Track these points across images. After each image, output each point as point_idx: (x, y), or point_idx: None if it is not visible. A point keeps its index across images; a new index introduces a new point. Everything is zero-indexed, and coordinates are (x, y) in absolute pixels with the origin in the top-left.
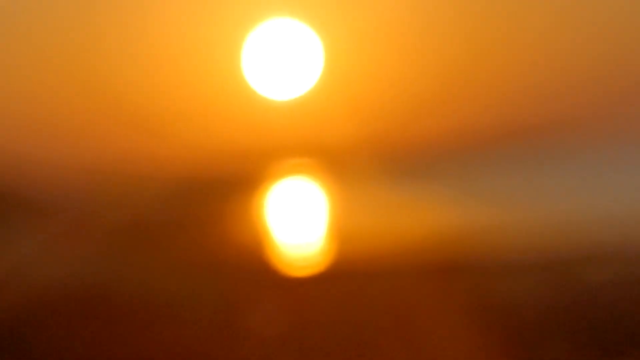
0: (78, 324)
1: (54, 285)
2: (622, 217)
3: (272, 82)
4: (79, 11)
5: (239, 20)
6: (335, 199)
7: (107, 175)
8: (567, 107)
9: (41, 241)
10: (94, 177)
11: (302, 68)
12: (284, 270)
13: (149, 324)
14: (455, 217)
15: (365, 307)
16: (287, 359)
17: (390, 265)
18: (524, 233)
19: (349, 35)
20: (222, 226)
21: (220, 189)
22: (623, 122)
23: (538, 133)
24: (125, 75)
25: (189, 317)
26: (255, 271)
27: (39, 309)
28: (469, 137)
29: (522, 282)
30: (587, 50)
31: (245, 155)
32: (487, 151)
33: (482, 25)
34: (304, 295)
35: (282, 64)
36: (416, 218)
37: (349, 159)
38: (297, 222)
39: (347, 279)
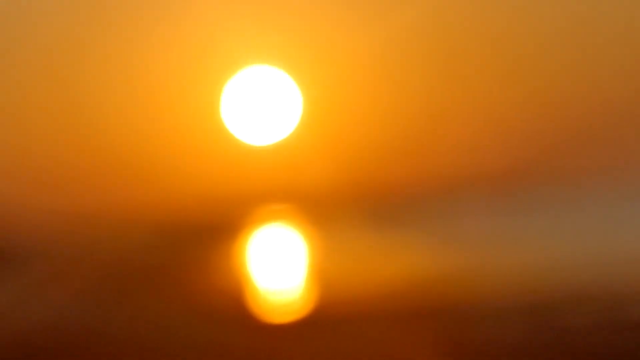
0: None
1: (36, 330)
2: (599, 261)
3: (251, 128)
4: (58, 56)
5: (218, 67)
6: (314, 245)
7: (89, 221)
8: (542, 152)
9: (23, 287)
10: (75, 223)
11: (281, 114)
12: (265, 317)
13: None
14: (433, 262)
15: (345, 354)
16: None
17: (369, 311)
18: (501, 277)
19: (326, 82)
20: (203, 272)
21: (201, 235)
22: (597, 166)
23: (513, 178)
24: (106, 122)
25: None
26: (236, 317)
27: (22, 354)
28: (445, 181)
29: (500, 326)
30: (559, 93)
31: (225, 201)
32: (463, 196)
33: (456, 72)
34: (285, 341)
35: (260, 110)
36: (395, 263)
37: (327, 204)
38: (277, 268)
39: (326, 325)
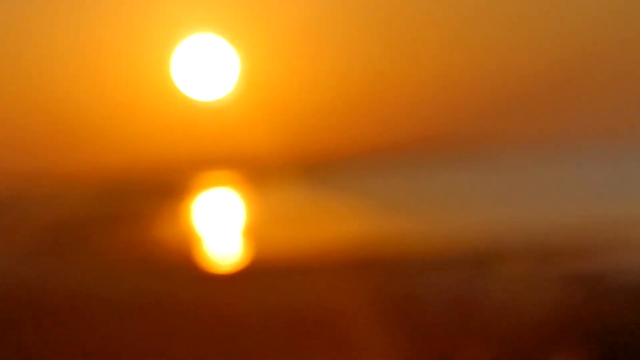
0: (7, 320)
1: None
2: (529, 218)
3: (195, 86)
4: (10, 13)
5: (166, 33)
6: (253, 203)
7: (37, 178)
8: (477, 116)
9: None
10: (26, 182)
11: (221, 74)
12: (207, 268)
13: (77, 320)
14: (365, 220)
15: (280, 302)
16: (210, 351)
17: (304, 264)
18: (432, 234)
19: (263, 46)
20: (148, 227)
21: (147, 193)
22: (530, 130)
23: (447, 141)
24: (57, 84)
25: (116, 312)
26: (181, 268)
27: None
28: (379, 145)
29: (432, 279)
30: (497, 59)
31: (171, 161)
32: (396, 158)
33: (392, 38)
34: (226, 290)
35: (203, 71)
36: (329, 221)
37: (265, 162)
38: (219, 224)
39: (264, 276)
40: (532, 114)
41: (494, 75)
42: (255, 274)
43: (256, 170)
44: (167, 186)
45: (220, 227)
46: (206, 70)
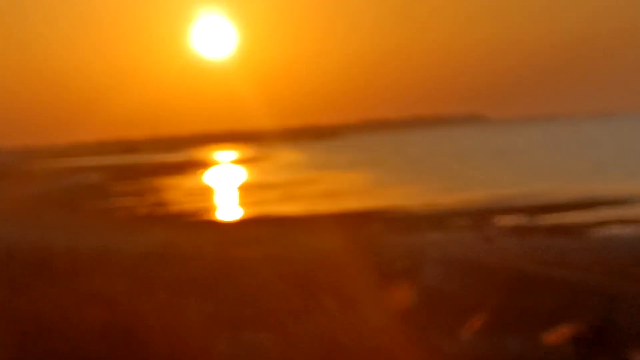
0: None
1: None
2: (522, 179)
3: (207, 47)
4: None
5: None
6: (253, 160)
7: (46, 147)
8: (474, 94)
9: None
10: (42, 146)
11: (222, 41)
12: (214, 218)
13: (95, 274)
14: (363, 179)
15: (284, 250)
16: (220, 295)
17: (305, 218)
18: (436, 195)
19: (259, 22)
20: (159, 186)
21: (146, 150)
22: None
23: (446, 115)
24: (88, 57)
25: (132, 264)
26: (190, 221)
27: None
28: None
29: (434, 237)
30: (511, 38)
31: (181, 118)
32: (398, 129)
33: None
34: (232, 240)
35: (212, 38)
36: (328, 179)
37: (263, 121)
38: (225, 181)
39: (267, 227)
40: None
41: (520, 50)
42: (260, 225)
43: (256, 130)
44: (179, 146)
45: (226, 183)
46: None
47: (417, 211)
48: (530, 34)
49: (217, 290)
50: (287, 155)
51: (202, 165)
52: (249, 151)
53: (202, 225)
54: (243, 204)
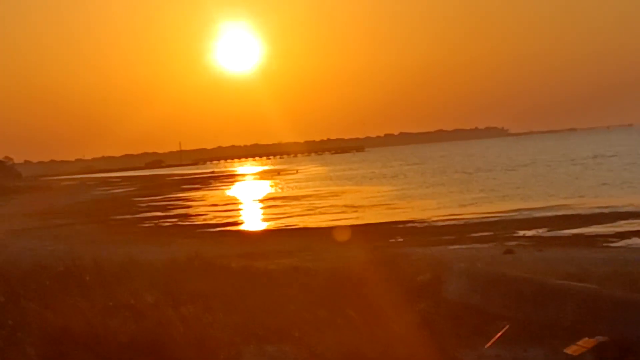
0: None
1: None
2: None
3: (230, 61)
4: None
5: (209, 17)
6: (277, 172)
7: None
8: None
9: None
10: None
11: (249, 53)
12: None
13: (130, 275)
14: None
15: (308, 261)
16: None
17: (330, 227)
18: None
19: (281, 37)
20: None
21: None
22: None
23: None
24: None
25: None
26: (219, 231)
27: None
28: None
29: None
30: (560, 58)
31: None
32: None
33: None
34: (259, 248)
35: (236, 50)
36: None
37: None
38: (250, 191)
39: (292, 237)
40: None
41: (567, 71)
42: (284, 237)
43: (278, 142)
44: (202, 157)
45: (250, 196)
46: (237, 48)
47: (439, 223)
48: (554, 54)
49: (243, 301)
50: (311, 168)
51: (227, 178)
52: (273, 164)
53: (227, 238)
54: (267, 216)
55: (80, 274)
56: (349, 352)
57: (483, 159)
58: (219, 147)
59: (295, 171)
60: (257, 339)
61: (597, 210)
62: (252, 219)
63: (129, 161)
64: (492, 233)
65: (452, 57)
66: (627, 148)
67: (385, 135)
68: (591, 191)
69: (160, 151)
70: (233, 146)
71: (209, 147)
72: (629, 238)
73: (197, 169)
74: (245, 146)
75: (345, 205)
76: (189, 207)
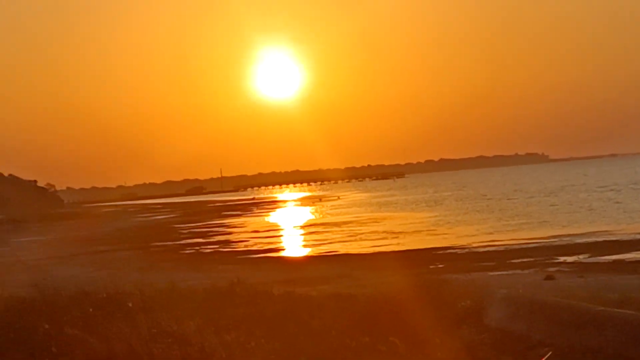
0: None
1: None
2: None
3: (270, 88)
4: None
5: (250, 45)
6: (317, 200)
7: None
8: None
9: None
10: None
11: (289, 80)
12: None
13: (168, 304)
14: (425, 219)
15: (348, 288)
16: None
17: (370, 253)
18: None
19: (322, 63)
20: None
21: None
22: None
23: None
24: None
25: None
26: (259, 256)
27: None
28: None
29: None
30: (602, 84)
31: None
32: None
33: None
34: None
35: (276, 77)
36: (391, 219)
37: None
38: (289, 218)
39: (333, 263)
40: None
41: (606, 95)
42: (326, 263)
43: (319, 168)
44: (242, 185)
45: (292, 222)
46: (277, 75)
47: (479, 249)
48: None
49: (284, 328)
50: (352, 194)
51: (268, 204)
52: (314, 191)
53: (268, 264)
54: (308, 242)
55: (124, 300)
56: None
57: (523, 185)
58: (260, 174)
59: (336, 197)
60: None
61: (638, 237)
62: (293, 246)
63: (170, 188)
64: (532, 259)
65: (493, 83)
66: None
67: (426, 161)
68: (631, 217)
69: (201, 178)
70: (274, 172)
71: (249, 173)
72: None
73: (238, 195)
74: (286, 172)
75: (386, 232)
76: (230, 233)
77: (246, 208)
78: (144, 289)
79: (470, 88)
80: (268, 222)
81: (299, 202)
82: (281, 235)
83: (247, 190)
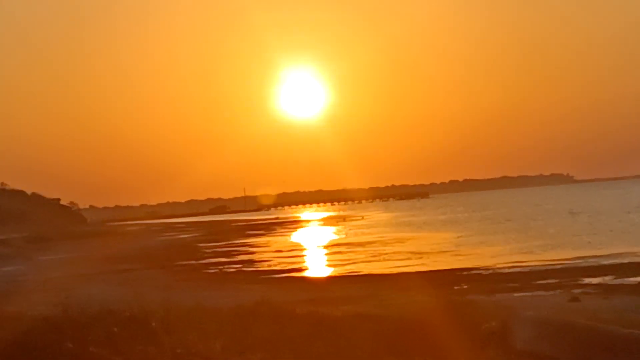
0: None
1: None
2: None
3: (293, 107)
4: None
5: (273, 64)
6: (341, 219)
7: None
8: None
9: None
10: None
11: (313, 98)
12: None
13: (191, 322)
14: (454, 238)
15: (374, 308)
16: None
17: (396, 275)
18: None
19: (345, 82)
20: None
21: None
22: None
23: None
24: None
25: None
26: (281, 277)
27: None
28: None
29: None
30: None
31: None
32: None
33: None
34: (324, 294)
35: (300, 96)
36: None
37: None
38: (312, 238)
39: (358, 284)
40: None
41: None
42: (350, 283)
43: (343, 187)
44: (264, 204)
45: (316, 242)
46: (301, 94)
47: (503, 270)
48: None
49: (309, 348)
50: (376, 214)
51: (291, 224)
52: (337, 210)
53: (292, 284)
54: (332, 262)
55: (148, 319)
56: None
57: (547, 205)
58: (284, 193)
59: (360, 217)
60: None
61: None
62: (317, 265)
63: (193, 207)
64: (557, 280)
65: (518, 104)
66: None
67: (450, 181)
68: None
69: (225, 197)
70: (297, 192)
71: (273, 192)
72: None
73: (261, 214)
74: (310, 192)
75: (410, 252)
76: (253, 252)
77: (270, 227)
78: (168, 308)
79: (496, 109)
80: (291, 242)
81: (322, 222)
82: (305, 255)
83: (270, 210)
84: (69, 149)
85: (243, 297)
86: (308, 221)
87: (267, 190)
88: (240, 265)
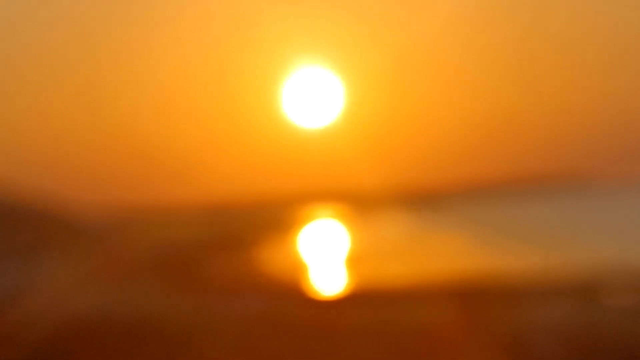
0: (114, 349)
1: (89, 313)
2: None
3: (303, 114)
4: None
5: (279, 64)
6: (356, 232)
7: (147, 208)
8: (580, 156)
9: (77, 273)
10: (132, 210)
11: (327, 103)
12: (313, 293)
13: (188, 344)
14: (469, 252)
15: (383, 327)
16: None
17: (407, 292)
18: (543, 265)
19: (367, 78)
20: (253, 255)
21: (253, 221)
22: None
23: (552, 179)
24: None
25: (225, 336)
26: (288, 293)
27: (73, 335)
28: (486, 178)
29: (542, 309)
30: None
31: (278, 188)
32: (503, 194)
33: (504, 80)
34: (330, 314)
35: (310, 101)
36: (431, 254)
37: (368, 191)
38: (323, 254)
39: (367, 302)
40: None
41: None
42: (358, 299)
43: (360, 200)
44: (274, 216)
45: (325, 256)
46: (313, 99)
47: (523, 282)
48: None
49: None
50: (388, 221)
51: (300, 231)
52: (349, 216)
53: (300, 295)
54: (342, 272)
55: (149, 331)
56: None
57: (565, 208)
58: (294, 198)
59: (372, 224)
60: None
61: None
62: (326, 275)
63: (198, 211)
64: (579, 287)
65: (535, 108)
66: None
67: (465, 186)
68: None
69: (233, 202)
70: (308, 195)
71: (284, 197)
72: None
73: (270, 221)
74: (321, 195)
75: (423, 261)
76: (260, 262)
77: (277, 234)
78: (170, 320)
79: (514, 109)
80: (300, 250)
81: (332, 229)
82: (313, 265)
83: (279, 216)
84: (69, 150)
85: (248, 309)
86: (318, 228)
87: (279, 193)
88: (246, 275)
